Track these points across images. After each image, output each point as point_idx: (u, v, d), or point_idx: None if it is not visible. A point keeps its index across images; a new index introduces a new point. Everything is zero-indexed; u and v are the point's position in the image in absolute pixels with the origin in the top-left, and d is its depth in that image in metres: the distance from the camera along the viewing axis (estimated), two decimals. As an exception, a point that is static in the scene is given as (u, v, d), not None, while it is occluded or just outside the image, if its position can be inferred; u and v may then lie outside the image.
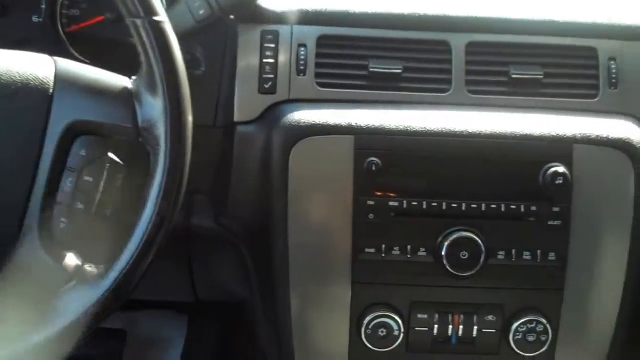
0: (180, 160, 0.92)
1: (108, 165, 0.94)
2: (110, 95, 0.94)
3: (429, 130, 1.18)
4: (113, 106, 0.94)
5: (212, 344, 1.80)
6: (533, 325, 1.21)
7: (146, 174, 0.92)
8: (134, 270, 0.90)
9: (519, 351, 1.23)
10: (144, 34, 0.91)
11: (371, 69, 1.23)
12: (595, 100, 1.25)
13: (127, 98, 0.94)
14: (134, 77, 0.96)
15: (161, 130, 0.91)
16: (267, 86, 1.23)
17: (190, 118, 0.93)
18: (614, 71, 1.26)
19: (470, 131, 1.18)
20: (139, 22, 0.91)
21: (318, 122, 1.19)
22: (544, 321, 1.21)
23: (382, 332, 1.20)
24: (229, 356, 1.81)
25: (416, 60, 1.25)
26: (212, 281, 1.58)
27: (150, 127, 0.92)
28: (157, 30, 0.91)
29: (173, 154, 0.91)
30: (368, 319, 1.20)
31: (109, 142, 0.95)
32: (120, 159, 0.96)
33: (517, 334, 1.22)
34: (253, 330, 1.51)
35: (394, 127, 1.18)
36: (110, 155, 0.95)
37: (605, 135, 1.20)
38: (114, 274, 0.90)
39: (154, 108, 0.92)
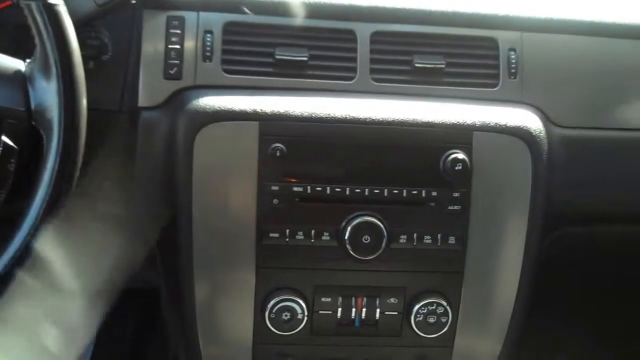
0: (74, 143, 0.92)
1: (0, 149, 0.93)
2: (2, 78, 0.93)
3: (333, 117, 1.20)
4: (4, 89, 0.93)
5: (125, 331, 1.79)
6: (434, 307, 1.25)
7: (39, 157, 0.92)
8: (26, 255, 0.90)
9: (420, 333, 1.26)
10: (37, 17, 0.91)
11: (277, 56, 1.24)
12: (496, 89, 1.29)
13: (19, 81, 0.93)
14: (28, 60, 0.95)
15: (54, 114, 0.91)
16: (172, 72, 1.23)
17: (84, 101, 0.93)
18: (513, 61, 1.29)
19: (374, 118, 1.21)
20: (33, 5, 0.90)
21: (223, 108, 1.19)
22: (444, 303, 1.25)
23: (286, 315, 1.22)
24: (143, 343, 1.81)
25: (322, 48, 1.26)
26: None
27: (43, 110, 0.92)
28: (51, 14, 0.91)
29: (66, 137, 0.91)
30: (272, 303, 1.22)
31: (1, 125, 0.94)
32: (14, 143, 0.95)
33: (418, 315, 1.25)
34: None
35: (299, 114, 1.20)
36: (3, 138, 0.94)
37: (503, 123, 1.23)
38: (4, 259, 0.89)
39: (47, 91, 0.92)
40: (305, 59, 1.25)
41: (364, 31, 1.27)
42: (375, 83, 1.26)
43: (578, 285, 1.70)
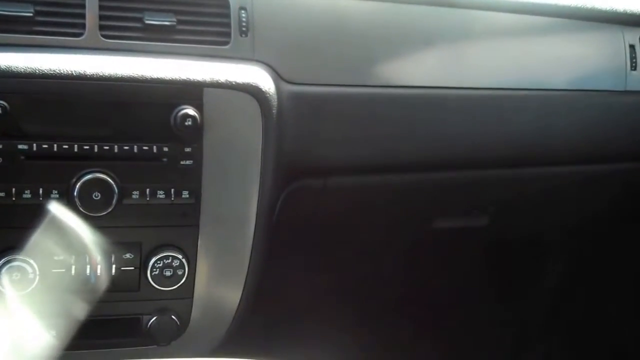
0: None
1: None
2: None
3: (58, 73, 1.18)
4: None
5: None
6: (169, 261, 1.28)
7: None
8: None
9: (157, 286, 1.29)
10: None
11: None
12: (227, 47, 1.32)
13: None
14: None
15: None
16: None
17: None
18: (244, 20, 1.33)
19: (102, 74, 1.20)
20: None
21: None
22: (180, 256, 1.28)
23: (17, 275, 1.20)
24: None
25: (49, 4, 1.23)
26: None
27: None
28: None
29: None
30: (0, 263, 1.20)
31: None
32: None
33: (154, 269, 1.28)
34: None
35: (22, 70, 1.17)
36: None
37: (233, 80, 1.27)
38: None
39: None
40: (30, 14, 1.21)
41: None
42: (105, 40, 1.25)
43: (317, 237, 1.80)
